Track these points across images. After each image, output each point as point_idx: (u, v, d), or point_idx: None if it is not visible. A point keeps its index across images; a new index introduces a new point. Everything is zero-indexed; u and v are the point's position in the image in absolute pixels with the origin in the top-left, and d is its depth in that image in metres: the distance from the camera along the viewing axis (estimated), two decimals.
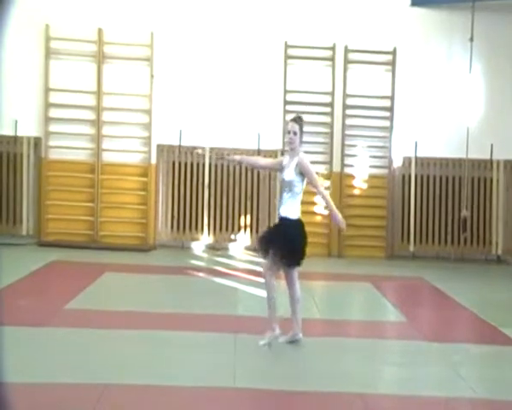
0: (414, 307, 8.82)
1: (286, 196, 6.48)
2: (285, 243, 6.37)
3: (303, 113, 12.06)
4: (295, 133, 6.46)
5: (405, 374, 6.01)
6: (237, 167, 12.14)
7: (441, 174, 12.37)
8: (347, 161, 12.32)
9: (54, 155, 12.13)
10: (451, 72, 12.31)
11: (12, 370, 3.33)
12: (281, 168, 6.61)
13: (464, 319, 8.37)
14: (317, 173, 6.67)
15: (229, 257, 11.61)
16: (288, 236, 6.40)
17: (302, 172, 6.43)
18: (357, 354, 6.49)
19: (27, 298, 7.83)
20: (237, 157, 7.36)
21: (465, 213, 11.93)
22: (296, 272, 6.55)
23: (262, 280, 6.69)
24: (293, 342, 6.52)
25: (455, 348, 6.78)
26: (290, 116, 12.11)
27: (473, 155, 11.96)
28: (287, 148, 6.82)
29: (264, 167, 8.88)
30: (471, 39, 11.67)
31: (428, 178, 12.38)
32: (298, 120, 6.60)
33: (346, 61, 12.23)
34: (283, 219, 6.49)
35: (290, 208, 6.46)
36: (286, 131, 6.71)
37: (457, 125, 12.11)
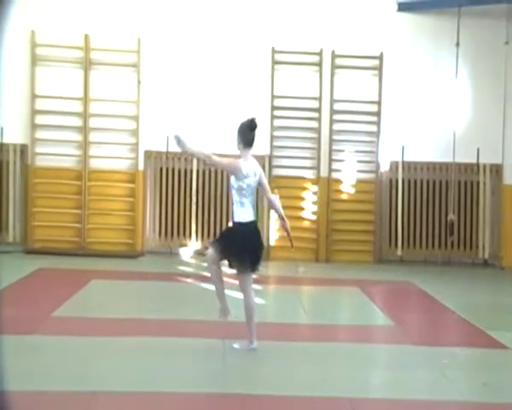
0: (402, 311, 8.83)
1: (235, 201, 6.47)
2: (235, 248, 6.35)
3: (290, 118, 12.28)
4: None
5: (393, 378, 6.02)
6: (225, 173, 12.12)
7: (428, 178, 12.42)
8: (335, 165, 12.33)
9: (40, 161, 12.08)
10: (438, 77, 12.36)
11: None
12: None
13: (452, 322, 8.40)
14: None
15: None
16: (238, 240, 6.37)
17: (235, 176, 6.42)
18: (345, 358, 6.49)
19: (14, 306, 7.77)
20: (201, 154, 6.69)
21: (452, 216, 11.97)
22: (249, 278, 6.50)
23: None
24: (248, 351, 6.43)
25: (442, 352, 6.80)
26: (278, 122, 12.40)
27: (459, 160, 12.04)
28: None
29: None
30: (457, 44, 11.76)
31: (415, 182, 12.42)
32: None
33: (334, 67, 12.26)
34: (237, 224, 6.47)
35: (242, 213, 6.42)
36: None
37: (444, 130, 12.16)
